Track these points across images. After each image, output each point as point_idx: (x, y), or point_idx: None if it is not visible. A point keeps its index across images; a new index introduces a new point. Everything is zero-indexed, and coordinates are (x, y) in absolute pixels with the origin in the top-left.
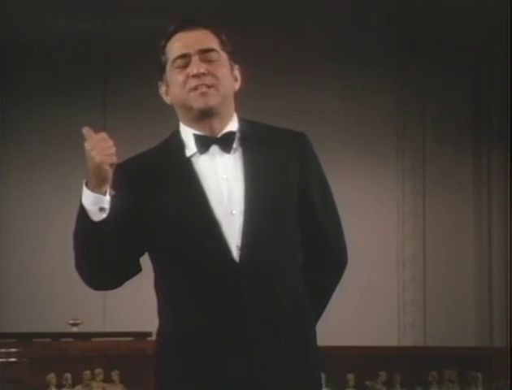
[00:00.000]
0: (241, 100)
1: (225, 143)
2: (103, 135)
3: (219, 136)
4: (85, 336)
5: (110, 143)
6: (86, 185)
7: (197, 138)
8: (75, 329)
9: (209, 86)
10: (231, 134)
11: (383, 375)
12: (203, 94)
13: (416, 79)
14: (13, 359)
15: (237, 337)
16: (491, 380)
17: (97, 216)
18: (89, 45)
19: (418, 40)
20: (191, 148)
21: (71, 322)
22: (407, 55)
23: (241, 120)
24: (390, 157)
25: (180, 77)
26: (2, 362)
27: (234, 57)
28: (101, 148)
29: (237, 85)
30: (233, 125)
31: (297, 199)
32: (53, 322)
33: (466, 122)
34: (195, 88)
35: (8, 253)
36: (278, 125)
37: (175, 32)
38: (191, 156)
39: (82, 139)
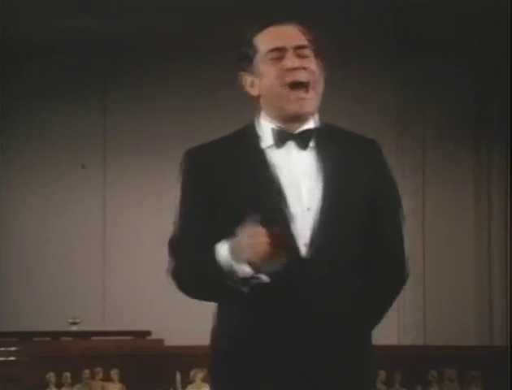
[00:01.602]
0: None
1: (302, 140)
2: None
3: (296, 132)
4: (85, 335)
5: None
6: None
7: (275, 132)
8: (74, 328)
9: (307, 88)
10: (308, 132)
11: (382, 374)
12: (300, 100)
13: (416, 78)
14: (13, 358)
15: (299, 333)
16: (490, 379)
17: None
18: (90, 45)
19: (419, 39)
20: (266, 140)
21: (71, 321)
22: (407, 55)
23: (318, 119)
24: (390, 156)
25: (274, 70)
26: (2, 361)
27: (321, 54)
28: (258, 246)
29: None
30: (311, 123)
31: (365, 206)
32: (53, 322)
33: (466, 121)
34: (292, 86)
35: (9, 252)
36: None
37: (266, 25)
38: (266, 148)
39: (82, 139)
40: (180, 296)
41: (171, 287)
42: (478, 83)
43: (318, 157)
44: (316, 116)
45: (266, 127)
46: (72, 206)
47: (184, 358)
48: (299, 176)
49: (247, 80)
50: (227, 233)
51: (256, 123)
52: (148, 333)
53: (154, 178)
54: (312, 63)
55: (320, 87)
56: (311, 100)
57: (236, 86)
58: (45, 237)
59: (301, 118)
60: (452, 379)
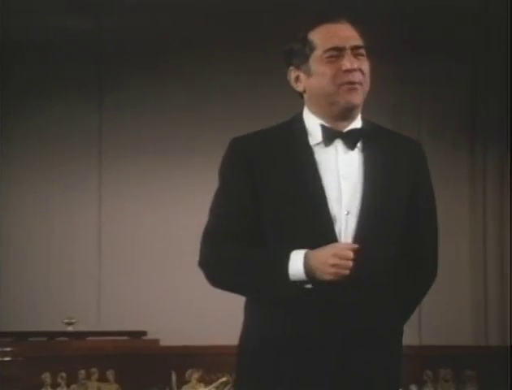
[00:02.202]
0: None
1: (350, 139)
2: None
3: (344, 131)
4: (80, 335)
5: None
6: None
7: (325, 129)
8: (70, 328)
9: (358, 83)
10: (357, 131)
11: None
12: (352, 90)
13: (413, 76)
14: (8, 358)
15: (334, 334)
16: (486, 379)
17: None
18: (85, 44)
19: (416, 38)
20: (315, 137)
21: (67, 321)
22: (404, 53)
23: (363, 119)
24: None
25: (331, 69)
26: None
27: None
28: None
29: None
30: (358, 123)
31: (405, 209)
32: (48, 322)
33: (462, 120)
34: (346, 84)
35: (4, 253)
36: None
37: (321, 22)
38: (314, 145)
39: (79, 139)
40: (176, 297)
41: (167, 287)
42: (474, 81)
43: (362, 157)
44: (359, 117)
45: (314, 124)
46: (68, 207)
47: (180, 358)
48: (341, 178)
49: (294, 75)
50: (267, 225)
51: (304, 116)
52: (144, 333)
53: (150, 178)
54: (365, 64)
55: (367, 86)
56: (359, 94)
57: (234, 85)
58: (41, 237)
59: (351, 111)
60: (447, 379)
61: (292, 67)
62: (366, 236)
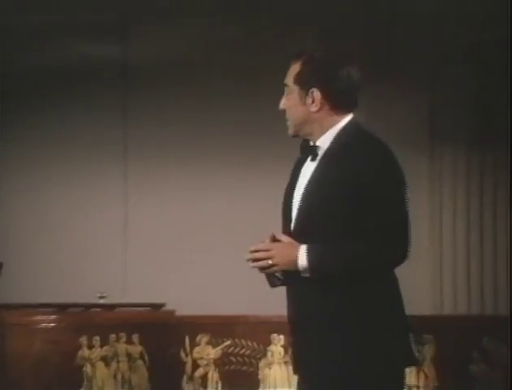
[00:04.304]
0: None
1: (313, 153)
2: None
3: (309, 146)
4: (110, 307)
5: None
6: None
7: (300, 147)
8: (102, 301)
9: (287, 119)
10: (315, 147)
11: None
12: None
13: (383, 94)
14: (52, 324)
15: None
16: (441, 341)
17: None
18: (112, 67)
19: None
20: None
21: (99, 295)
22: (375, 73)
23: (346, 131)
24: None
25: None
26: (44, 327)
27: (311, 83)
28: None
29: (315, 107)
30: (326, 138)
31: (350, 204)
32: (85, 295)
33: (423, 129)
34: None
35: (50, 238)
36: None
37: (290, 62)
38: (301, 159)
39: (104, 142)
40: (189, 275)
41: (181, 267)
42: (432, 103)
43: (315, 167)
44: (331, 131)
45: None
46: (98, 197)
47: (192, 326)
48: (303, 182)
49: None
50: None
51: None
52: (162, 305)
53: (173, 171)
54: (288, 99)
55: (294, 119)
56: (291, 126)
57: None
58: (77, 225)
59: (295, 137)
60: None
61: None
62: (299, 229)
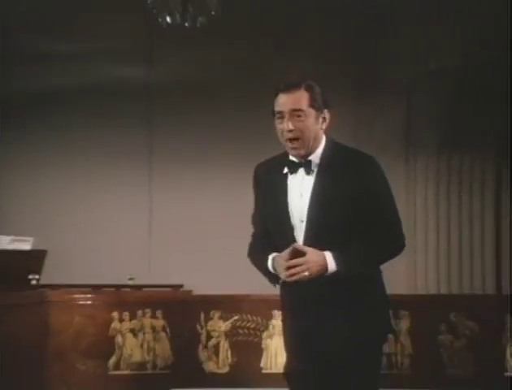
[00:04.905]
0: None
1: (307, 168)
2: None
3: (303, 161)
4: (138, 287)
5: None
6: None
7: (289, 163)
8: (131, 282)
9: (295, 139)
10: (310, 162)
11: None
12: (292, 146)
13: (362, 102)
14: (89, 302)
15: (301, 298)
16: (417, 316)
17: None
18: (137, 86)
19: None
20: (286, 168)
21: (129, 277)
22: (355, 93)
23: (329, 146)
24: None
25: (279, 128)
26: (82, 304)
27: (323, 105)
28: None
29: (325, 124)
30: (316, 154)
31: (354, 208)
32: (116, 278)
33: (400, 138)
34: (289, 141)
35: (91, 230)
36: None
37: (278, 92)
38: (286, 173)
39: (130, 150)
40: (204, 261)
41: (197, 253)
42: (408, 107)
43: (315, 180)
44: (321, 145)
45: (287, 158)
46: (124, 193)
47: (206, 303)
48: (299, 196)
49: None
50: (265, 234)
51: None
52: (181, 286)
53: (191, 169)
54: (304, 123)
55: (309, 138)
56: (301, 147)
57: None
58: (111, 220)
59: (301, 159)
60: None
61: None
62: (313, 236)
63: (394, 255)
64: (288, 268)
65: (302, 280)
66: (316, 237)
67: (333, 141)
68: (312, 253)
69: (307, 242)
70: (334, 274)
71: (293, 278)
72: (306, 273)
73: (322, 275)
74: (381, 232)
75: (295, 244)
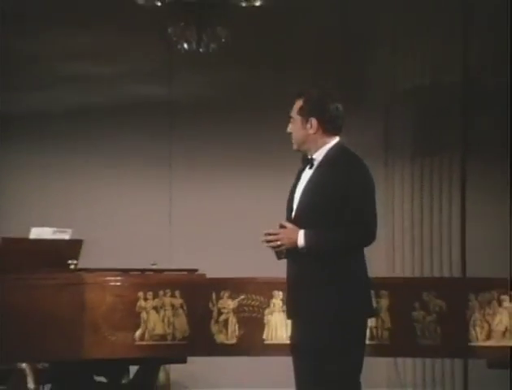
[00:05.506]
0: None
1: (310, 164)
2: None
3: (311, 159)
4: (159, 271)
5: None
6: None
7: (305, 160)
8: (154, 267)
9: (292, 139)
10: (312, 159)
11: None
12: (293, 144)
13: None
14: (119, 283)
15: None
16: (395, 296)
17: None
18: (158, 104)
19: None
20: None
21: (152, 263)
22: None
23: (334, 148)
24: None
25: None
26: (113, 285)
27: (311, 113)
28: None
29: (312, 130)
30: (320, 153)
31: (333, 201)
32: (141, 263)
33: (379, 143)
34: None
35: (121, 222)
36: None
37: (295, 99)
38: (302, 168)
39: (150, 154)
40: (216, 248)
41: (210, 242)
42: (386, 124)
43: (311, 174)
44: (326, 147)
45: (308, 156)
46: (147, 193)
47: (217, 284)
48: (302, 186)
49: None
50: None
51: None
52: (196, 270)
53: (208, 171)
54: (293, 126)
55: (297, 138)
56: (293, 144)
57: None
58: (136, 214)
59: (297, 151)
60: None
61: None
62: (298, 217)
63: (363, 243)
64: (266, 236)
65: (276, 249)
66: (300, 219)
67: (340, 145)
68: (289, 229)
69: (294, 222)
70: (305, 250)
71: (268, 244)
72: (278, 242)
73: (295, 249)
74: (353, 222)
75: (282, 221)
